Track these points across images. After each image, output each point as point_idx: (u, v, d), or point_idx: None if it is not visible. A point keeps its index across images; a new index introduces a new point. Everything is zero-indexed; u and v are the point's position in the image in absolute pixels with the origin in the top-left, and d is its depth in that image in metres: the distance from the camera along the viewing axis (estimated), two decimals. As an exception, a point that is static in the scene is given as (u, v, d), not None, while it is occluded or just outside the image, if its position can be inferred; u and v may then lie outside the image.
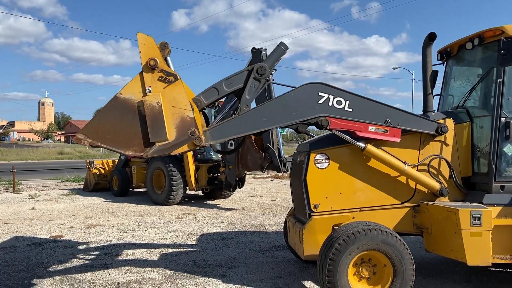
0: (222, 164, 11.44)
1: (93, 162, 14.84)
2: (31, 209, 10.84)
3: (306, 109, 4.34)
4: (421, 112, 5.29)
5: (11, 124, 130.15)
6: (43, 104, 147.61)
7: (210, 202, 12.16)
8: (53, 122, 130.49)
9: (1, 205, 11.49)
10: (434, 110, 5.30)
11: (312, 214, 4.65)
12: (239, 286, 5.04)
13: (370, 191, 4.75)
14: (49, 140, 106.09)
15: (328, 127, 4.40)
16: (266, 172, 7.75)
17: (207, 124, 4.89)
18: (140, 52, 3.95)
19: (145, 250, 6.74)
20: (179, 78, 4.03)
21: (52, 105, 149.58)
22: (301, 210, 5.01)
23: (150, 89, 3.94)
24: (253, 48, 9.48)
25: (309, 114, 4.35)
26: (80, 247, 6.92)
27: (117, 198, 13.00)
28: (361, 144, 4.54)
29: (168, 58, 4.16)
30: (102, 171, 14.59)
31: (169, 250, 6.72)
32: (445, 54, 5.50)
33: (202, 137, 4.05)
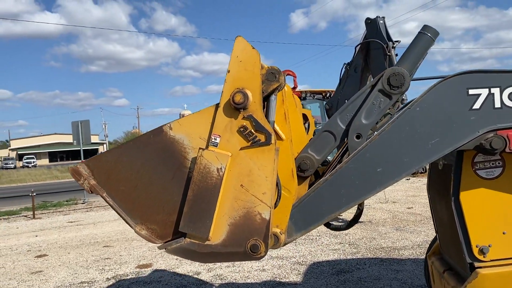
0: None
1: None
2: (140, 226, 10.24)
3: (454, 130, 2.27)
4: None
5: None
6: (183, 115, 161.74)
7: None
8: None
9: (113, 222, 11.18)
10: None
11: (476, 264, 2.52)
12: None
13: None
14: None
15: (507, 149, 2.26)
16: None
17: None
18: (228, 71, 2.23)
19: (236, 289, 5.18)
20: (273, 140, 2.18)
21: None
22: (453, 252, 2.89)
23: (218, 140, 2.24)
24: (367, 19, 7.26)
25: (461, 137, 2.28)
26: (162, 282, 5.66)
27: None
28: None
29: (272, 98, 2.28)
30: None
31: (264, 291, 5.05)
32: None
33: (282, 236, 2.31)
